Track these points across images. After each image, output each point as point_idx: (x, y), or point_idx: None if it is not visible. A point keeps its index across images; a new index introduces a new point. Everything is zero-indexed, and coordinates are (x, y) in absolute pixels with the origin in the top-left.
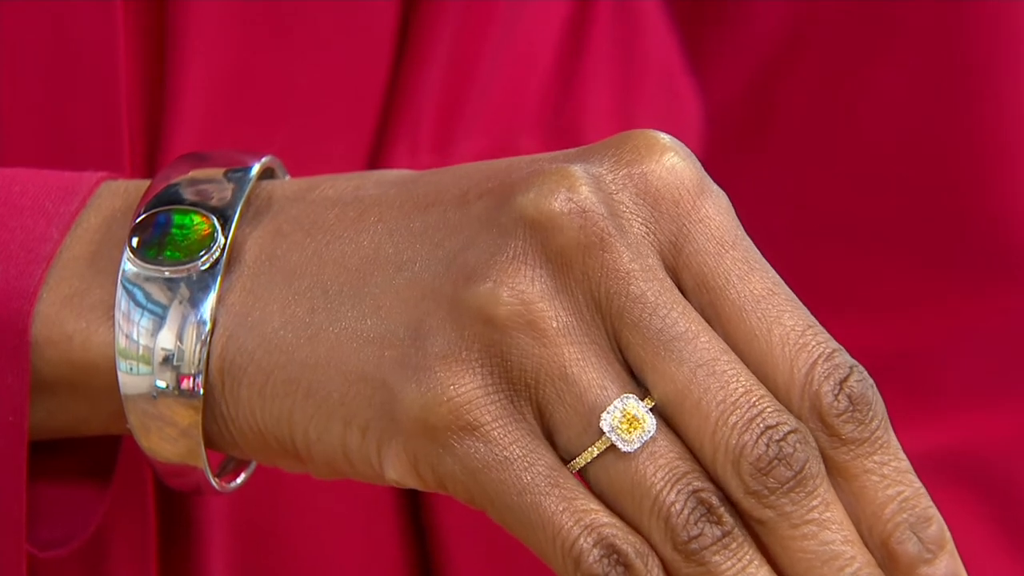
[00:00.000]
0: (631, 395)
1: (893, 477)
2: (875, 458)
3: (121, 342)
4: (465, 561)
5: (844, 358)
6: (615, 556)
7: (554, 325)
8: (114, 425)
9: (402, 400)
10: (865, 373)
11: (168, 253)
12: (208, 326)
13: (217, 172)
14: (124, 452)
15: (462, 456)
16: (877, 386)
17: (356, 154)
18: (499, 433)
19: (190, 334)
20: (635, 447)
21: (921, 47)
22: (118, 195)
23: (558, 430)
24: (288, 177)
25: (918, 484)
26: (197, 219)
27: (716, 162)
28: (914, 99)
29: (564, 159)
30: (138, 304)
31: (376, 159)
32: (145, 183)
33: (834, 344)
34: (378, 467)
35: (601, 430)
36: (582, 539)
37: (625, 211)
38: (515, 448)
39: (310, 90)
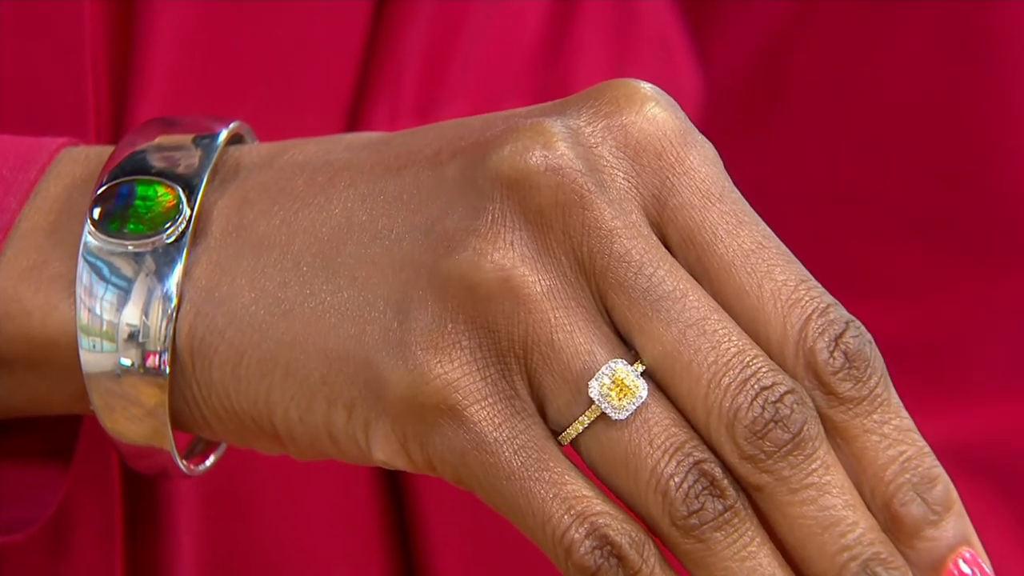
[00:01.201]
0: (620, 360)
1: (894, 436)
2: (874, 417)
3: (83, 317)
4: (444, 537)
5: (839, 313)
6: (608, 547)
7: (537, 289)
8: (76, 404)
9: (388, 379)
10: (862, 328)
11: (131, 226)
12: (174, 302)
13: (184, 139)
14: (88, 430)
15: (450, 437)
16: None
17: (333, 118)
18: (487, 413)
19: (156, 309)
20: (626, 415)
21: (938, 17)
22: (79, 162)
23: (548, 399)
24: (257, 143)
25: (922, 443)
26: (161, 190)
27: (720, 138)
28: (933, 74)
29: (540, 113)
30: (102, 278)
31: (354, 123)
32: (108, 149)
33: (829, 298)
34: (365, 447)
35: (590, 398)
36: (573, 529)
37: (605, 165)
38: (504, 429)
39: (284, 49)
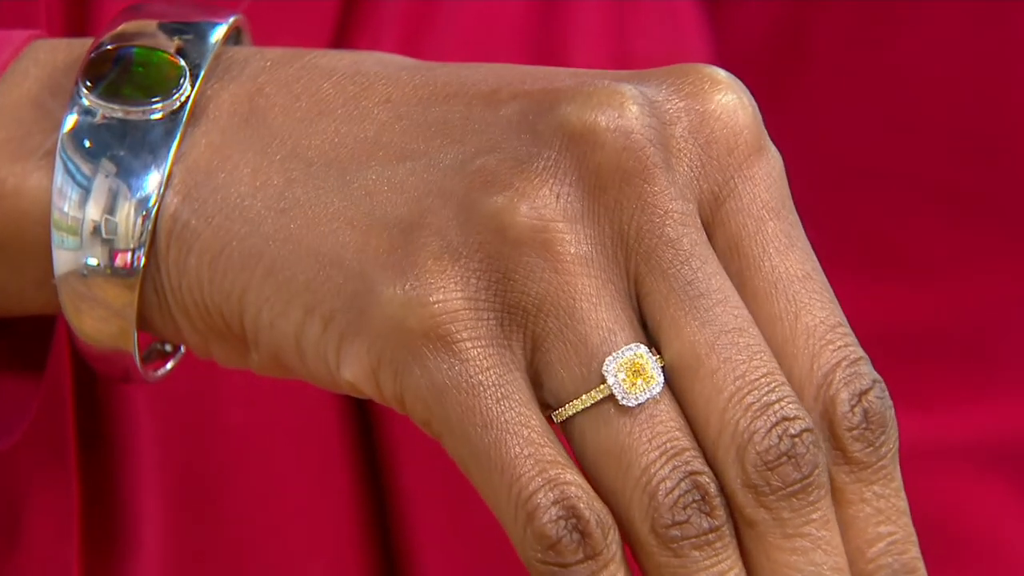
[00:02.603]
0: (643, 345)
1: (888, 514)
2: (875, 488)
3: (56, 214)
4: (425, 516)
5: (868, 369)
6: (574, 520)
7: (572, 251)
8: (42, 297)
9: (379, 294)
10: (887, 392)
11: (127, 91)
12: (156, 194)
13: (176, 24)
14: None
15: (432, 369)
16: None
17: None
18: (477, 353)
19: (125, 205)
20: (636, 403)
21: None
22: (59, 49)
23: (551, 369)
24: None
25: (911, 529)
26: (165, 57)
27: None
28: (961, 45)
29: (614, 77)
30: (75, 165)
31: None
32: (86, 40)
33: (861, 351)
34: (333, 366)
35: (602, 377)
36: (541, 493)
37: (675, 146)
38: (491, 374)
39: (256, 3)
